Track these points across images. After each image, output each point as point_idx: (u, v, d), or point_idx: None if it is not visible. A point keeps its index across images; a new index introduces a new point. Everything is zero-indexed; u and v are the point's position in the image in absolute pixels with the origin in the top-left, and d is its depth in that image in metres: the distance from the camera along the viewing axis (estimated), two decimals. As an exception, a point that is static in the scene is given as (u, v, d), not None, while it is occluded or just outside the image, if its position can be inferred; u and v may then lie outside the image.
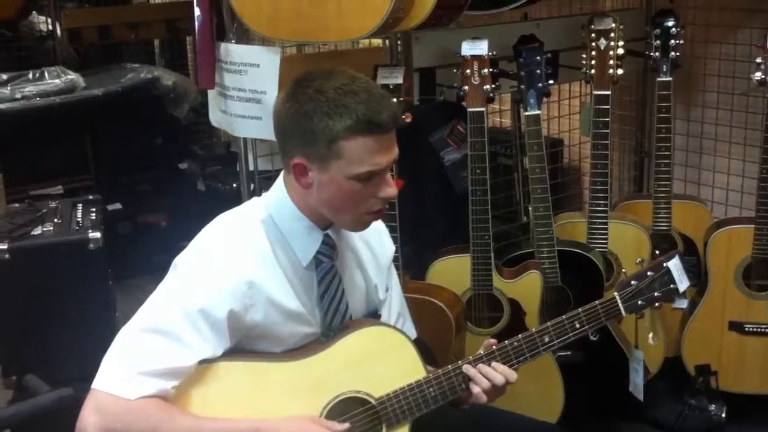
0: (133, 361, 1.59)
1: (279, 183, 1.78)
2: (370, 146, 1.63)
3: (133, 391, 1.57)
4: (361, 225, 1.78)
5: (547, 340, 1.81)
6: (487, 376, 1.76)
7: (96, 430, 1.56)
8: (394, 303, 2.01)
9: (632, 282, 1.85)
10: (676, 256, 1.87)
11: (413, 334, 2.04)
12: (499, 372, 1.76)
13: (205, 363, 1.66)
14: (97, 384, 1.59)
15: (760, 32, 2.86)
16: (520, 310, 2.67)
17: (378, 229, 1.93)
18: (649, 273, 1.85)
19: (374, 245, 1.93)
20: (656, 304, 1.86)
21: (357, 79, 1.66)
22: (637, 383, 2.57)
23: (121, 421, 1.57)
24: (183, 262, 1.70)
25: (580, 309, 1.82)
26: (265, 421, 1.66)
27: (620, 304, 1.83)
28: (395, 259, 2.04)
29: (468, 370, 1.76)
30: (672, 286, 1.84)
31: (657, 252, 2.81)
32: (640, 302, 1.84)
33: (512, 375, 1.77)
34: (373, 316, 1.93)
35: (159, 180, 4.52)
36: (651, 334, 2.63)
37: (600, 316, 1.82)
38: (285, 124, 1.68)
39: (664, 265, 1.85)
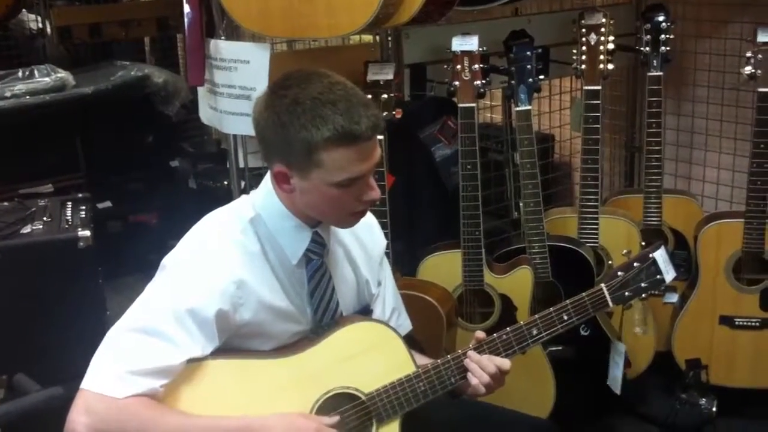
0: (122, 361, 1.59)
1: (267, 182, 1.77)
2: (350, 156, 1.62)
3: (122, 389, 1.57)
4: (348, 224, 1.79)
5: (535, 332, 1.81)
6: (479, 363, 1.76)
7: (85, 430, 1.56)
8: (388, 297, 2.01)
9: (619, 273, 1.85)
10: (662, 247, 1.87)
11: (408, 327, 2.05)
12: (492, 362, 1.76)
13: (195, 361, 1.65)
14: (85, 384, 1.59)
15: (750, 27, 2.87)
16: (511, 306, 2.67)
17: (368, 223, 1.93)
18: (635, 264, 1.85)
19: (365, 240, 1.93)
20: (643, 295, 1.86)
21: (335, 86, 1.63)
22: (615, 376, 2.57)
23: (110, 419, 1.56)
24: (171, 262, 1.69)
25: (567, 301, 1.83)
26: (255, 418, 1.66)
27: (607, 296, 1.83)
28: (386, 255, 2.04)
29: (468, 364, 1.76)
30: (658, 276, 1.85)
31: (643, 243, 2.81)
32: (627, 293, 1.84)
33: (505, 363, 1.77)
34: (364, 311, 1.93)
35: (150, 178, 4.50)
36: (637, 327, 2.63)
37: (587, 307, 1.82)
38: (264, 133, 1.67)
39: (650, 256, 1.85)
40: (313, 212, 1.73)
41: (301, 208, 1.73)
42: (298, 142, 1.60)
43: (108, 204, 4.24)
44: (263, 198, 1.76)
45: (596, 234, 2.84)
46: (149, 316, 1.63)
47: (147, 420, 1.58)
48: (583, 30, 2.76)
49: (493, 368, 1.75)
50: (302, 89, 1.62)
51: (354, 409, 1.74)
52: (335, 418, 1.71)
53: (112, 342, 1.63)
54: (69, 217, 2.84)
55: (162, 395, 1.62)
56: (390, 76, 2.51)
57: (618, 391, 2.57)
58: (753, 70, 2.65)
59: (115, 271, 3.65)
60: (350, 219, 1.76)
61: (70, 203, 2.98)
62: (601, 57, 2.76)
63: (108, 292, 2.92)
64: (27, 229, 2.73)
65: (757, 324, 2.82)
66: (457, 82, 2.60)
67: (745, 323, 2.83)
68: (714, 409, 2.81)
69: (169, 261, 1.70)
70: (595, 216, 2.83)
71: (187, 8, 2.64)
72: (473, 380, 1.76)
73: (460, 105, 2.60)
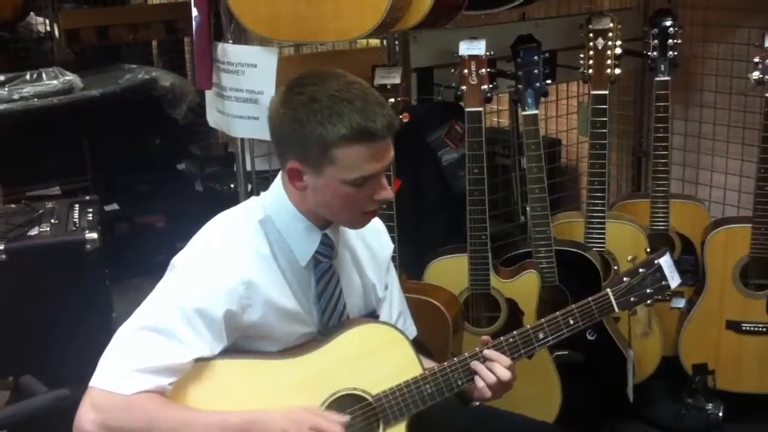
0: (130, 359, 1.60)
1: (277, 183, 1.78)
2: (365, 154, 1.63)
3: (130, 387, 1.57)
4: (359, 223, 1.79)
5: (541, 336, 1.81)
6: (488, 366, 1.76)
7: (93, 426, 1.56)
8: (395, 301, 2.01)
9: (624, 279, 1.85)
10: (667, 253, 1.87)
11: (414, 332, 2.05)
12: (494, 359, 1.76)
13: (203, 361, 1.66)
14: (94, 382, 1.59)
15: (758, 32, 2.86)
16: (518, 310, 2.67)
17: (376, 228, 1.93)
18: (640, 270, 1.85)
19: (372, 244, 1.93)
20: (648, 300, 1.86)
21: (352, 84, 1.65)
22: (630, 384, 2.57)
23: (117, 415, 1.57)
24: (180, 262, 1.70)
25: (573, 305, 1.83)
26: (260, 412, 1.66)
27: (613, 301, 1.83)
28: (393, 259, 2.04)
29: (475, 366, 1.76)
30: (663, 283, 1.85)
31: (648, 250, 2.81)
32: (632, 299, 1.84)
33: (505, 360, 1.76)
34: (371, 316, 1.93)
35: (157, 181, 4.52)
36: (638, 330, 2.64)
37: (593, 312, 1.82)
38: (279, 129, 1.68)
39: (656, 262, 1.85)
40: (324, 211, 1.73)
41: (312, 208, 1.73)
42: (314, 139, 1.61)
43: (115, 206, 4.26)
44: (274, 199, 1.76)
45: (603, 239, 2.83)
46: (158, 314, 1.63)
47: (154, 415, 1.58)
48: (591, 34, 2.76)
49: (500, 368, 1.75)
50: (319, 87, 1.63)
51: (361, 411, 1.74)
52: (345, 417, 1.70)
53: (120, 340, 1.63)
54: (76, 220, 2.85)
55: (170, 393, 1.62)
56: (397, 80, 2.51)
57: (631, 398, 2.57)
58: (761, 75, 2.65)
59: (121, 273, 3.66)
60: (361, 219, 1.76)
61: (77, 205, 2.99)
62: (609, 61, 2.75)
63: (115, 294, 2.93)
64: (34, 231, 2.74)
65: (764, 329, 2.81)
66: (464, 87, 2.60)
67: (752, 328, 2.82)
68: (720, 414, 2.81)
69: (178, 260, 1.70)
70: (602, 221, 2.82)
71: (194, 11, 2.65)
72: (480, 383, 1.76)
73: (467, 109, 2.60)
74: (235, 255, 1.69)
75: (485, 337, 1.81)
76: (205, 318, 1.63)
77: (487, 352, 1.77)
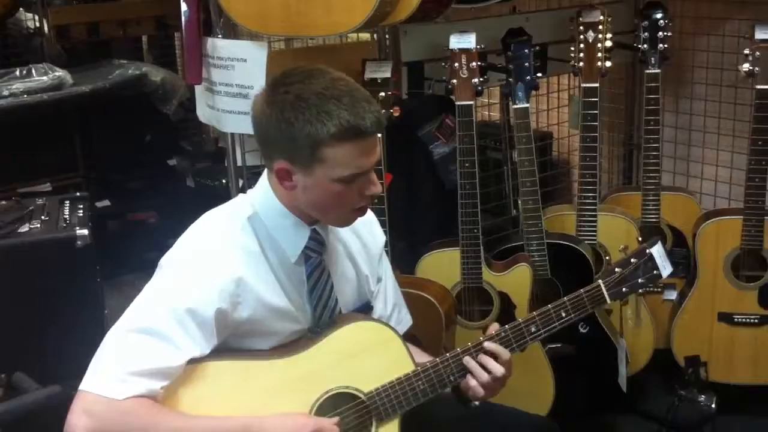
0: (121, 362, 1.58)
1: (264, 180, 1.77)
2: (354, 151, 1.62)
3: (122, 391, 1.56)
4: (347, 222, 1.78)
5: (533, 329, 1.81)
6: (480, 362, 1.75)
7: None
8: (389, 293, 2.01)
9: (616, 269, 1.85)
10: (659, 243, 1.87)
11: (409, 322, 2.05)
12: (489, 351, 1.76)
13: (194, 362, 1.65)
14: (84, 385, 1.58)
15: (748, 24, 2.86)
16: (510, 303, 2.67)
17: (367, 220, 1.92)
18: (632, 260, 1.85)
19: (364, 235, 1.93)
20: (640, 290, 1.86)
21: (338, 81, 1.63)
22: (621, 373, 2.57)
23: (110, 421, 1.56)
24: (169, 262, 1.69)
25: (565, 298, 1.82)
26: (256, 418, 1.66)
27: (605, 292, 1.83)
28: (386, 253, 2.03)
29: (468, 363, 1.76)
30: (655, 272, 1.84)
31: (639, 239, 2.82)
32: (624, 289, 1.84)
33: (505, 354, 1.76)
34: (365, 308, 1.93)
35: (148, 177, 4.51)
36: (629, 320, 2.64)
37: (585, 304, 1.82)
38: (265, 130, 1.66)
39: (647, 251, 1.85)
40: (314, 210, 1.73)
41: (301, 206, 1.72)
42: (302, 138, 1.60)
43: (106, 203, 4.25)
44: (261, 196, 1.75)
45: (594, 231, 2.83)
46: (148, 316, 1.62)
47: (147, 421, 1.57)
48: (581, 27, 2.76)
49: (493, 362, 1.74)
50: (305, 85, 1.61)
51: (353, 409, 1.74)
52: (335, 419, 1.70)
53: (111, 343, 1.62)
54: (67, 216, 2.83)
55: (161, 397, 1.61)
56: (388, 74, 2.51)
57: (624, 388, 2.58)
58: (751, 68, 2.65)
59: (113, 269, 3.65)
60: (351, 216, 1.76)
61: (68, 202, 2.97)
62: (599, 54, 2.75)
63: (106, 291, 2.92)
64: (25, 228, 2.72)
65: (756, 320, 2.82)
66: (454, 80, 2.60)
67: (744, 320, 2.83)
68: (713, 405, 2.81)
69: (167, 261, 1.69)
70: (594, 213, 2.83)
71: (184, 6, 2.64)
72: (472, 381, 1.76)
73: (458, 103, 2.60)
74: (224, 252, 1.68)
75: (492, 328, 1.80)
76: (197, 318, 1.62)
77: (487, 345, 1.77)
